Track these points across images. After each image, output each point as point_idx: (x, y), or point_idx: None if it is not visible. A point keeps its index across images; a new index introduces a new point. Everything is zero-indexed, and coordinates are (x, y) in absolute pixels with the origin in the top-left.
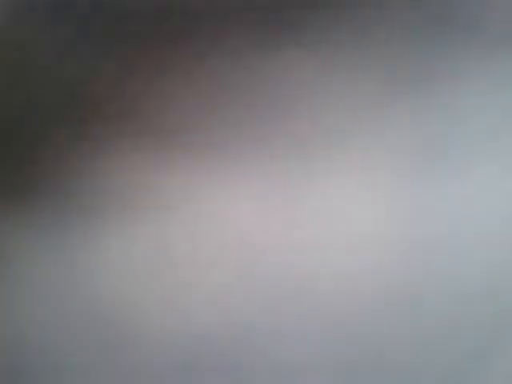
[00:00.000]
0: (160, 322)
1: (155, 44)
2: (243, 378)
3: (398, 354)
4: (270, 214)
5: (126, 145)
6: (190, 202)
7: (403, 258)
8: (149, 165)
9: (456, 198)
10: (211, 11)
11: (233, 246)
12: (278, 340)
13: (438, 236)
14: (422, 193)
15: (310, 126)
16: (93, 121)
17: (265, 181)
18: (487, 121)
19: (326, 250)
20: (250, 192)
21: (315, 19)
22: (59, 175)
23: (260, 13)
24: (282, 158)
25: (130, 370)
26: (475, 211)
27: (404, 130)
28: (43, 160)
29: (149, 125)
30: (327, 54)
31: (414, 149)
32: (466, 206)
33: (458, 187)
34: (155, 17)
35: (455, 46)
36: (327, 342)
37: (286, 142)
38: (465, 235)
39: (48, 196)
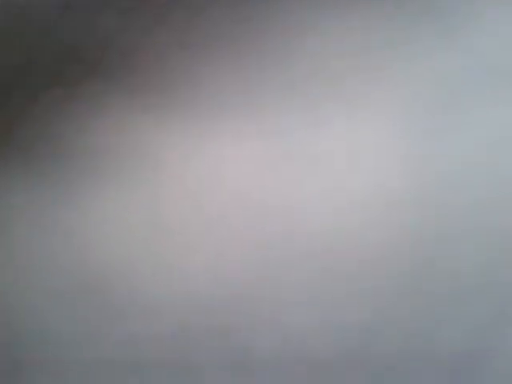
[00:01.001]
0: (155, 287)
1: None
2: (241, 343)
3: (400, 311)
4: (267, 172)
5: (123, 102)
6: (186, 162)
7: (412, 212)
8: (145, 123)
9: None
10: None
11: (230, 207)
12: (277, 305)
13: (448, 189)
14: (430, 144)
15: (307, 76)
16: (88, 79)
17: (260, 137)
18: (503, 67)
19: (328, 206)
20: (246, 150)
21: None
22: (55, 135)
23: None
24: (279, 111)
25: (123, 339)
26: (485, 165)
27: (409, 78)
28: (38, 121)
29: (145, 81)
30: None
31: (419, 96)
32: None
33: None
34: None
35: None
36: (332, 303)
37: (283, 93)
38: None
39: (43, 156)
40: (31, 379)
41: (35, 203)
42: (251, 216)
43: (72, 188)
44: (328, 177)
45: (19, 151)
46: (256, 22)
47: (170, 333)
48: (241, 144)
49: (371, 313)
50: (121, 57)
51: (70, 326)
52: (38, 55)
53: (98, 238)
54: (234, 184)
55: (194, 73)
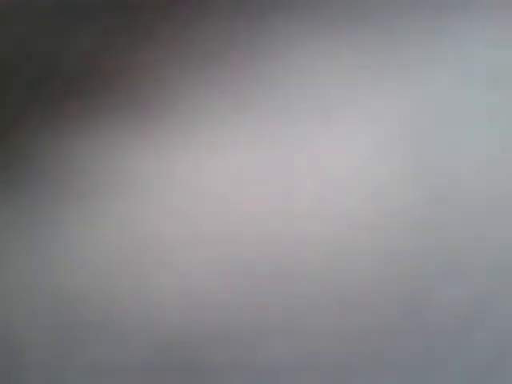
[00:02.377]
0: (132, 307)
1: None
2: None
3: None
4: (254, 185)
5: (101, 119)
6: (165, 177)
7: (411, 225)
8: (124, 139)
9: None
10: None
11: (215, 221)
12: (262, 334)
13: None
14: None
15: (297, 88)
16: (67, 96)
17: (245, 149)
18: (502, 79)
19: (317, 218)
20: (232, 162)
21: None
22: (32, 154)
23: None
24: (268, 123)
25: (98, 360)
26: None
27: (404, 92)
28: (17, 138)
29: (125, 98)
30: (316, 16)
31: (407, 110)
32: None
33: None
34: None
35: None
36: (341, 311)
37: (273, 105)
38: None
39: (22, 175)
40: None
41: (14, 222)
42: (237, 231)
43: (50, 207)
44: (317, 190)
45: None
46: (246, 36)
47: (144, 361)
48: (227, 156)
49: (383, 319)
50: (101, 77)
51: (38, 347)
52: (13, 73)
53: (77, 257)
54: (219, 199)
55: (179, 88)
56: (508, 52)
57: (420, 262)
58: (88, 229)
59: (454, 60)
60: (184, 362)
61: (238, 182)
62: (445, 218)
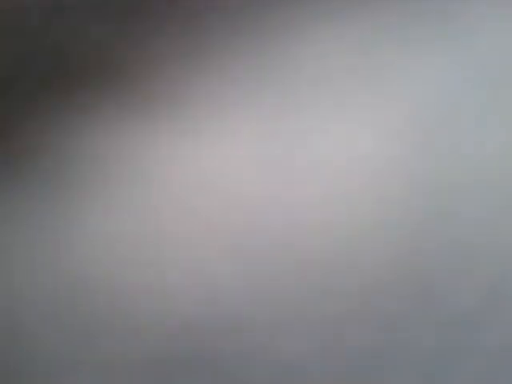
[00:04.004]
0: (143, 301)
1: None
2: (230, 368)
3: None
4: (261, 173)
5: (112, 111)
6: (176, 170)
7: (413, 222)
8: (134, 132)
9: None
10: None
11: (224, 214)
12: (272, 328)
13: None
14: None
15: (307, 75)
16: (78, 88)
17: (255, 140)
18: (504, 79)
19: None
20: (240, 153)
21: None
22: (42, 144)
23: None
24: (275, 115)
25: (110, 353)
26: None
27: (409, 88)
28: (26, 130)
29: (136, 90)
30: (326, 1)
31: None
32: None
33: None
34: None
35: None
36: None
37: (279, 98)
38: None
39: (30, 165)
40: None
41: (20, 212)
42: (246, 225)
43: (59, 197)
44: (325, 182)
45: (5, 160)
46: (252, 29)
47: (151, 357)
48: (236, 148)
49: (376, 335)
50: (112, 66)
51: (50, 334)
52: (25, 64)
53: (85, 247)
54: (227, 188)
55: (186, 82)
56: None
57: (428, 257)
58: (94, 221)
59: (465, 45)
60: (197, 356)
61: (248, 171)
62: (454, 209)
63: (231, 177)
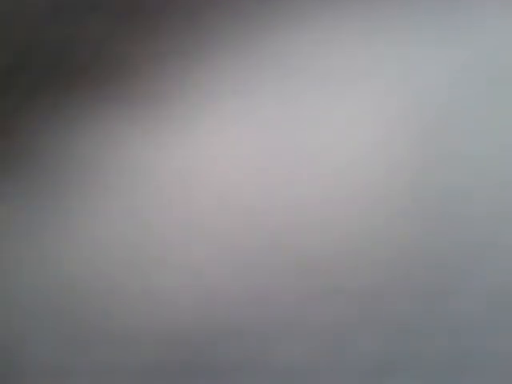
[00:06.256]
0: (141, 305)
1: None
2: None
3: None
4: (260, 174)
5: (113, 111)
6: (176, 172)
7: (415, 219)
8: (132, 133)
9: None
10: None
11: (221, 218)
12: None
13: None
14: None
15: (306, 64)
16: (78, 85)
17: (253, 127)
18: (504, 77)
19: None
20: (240, 154)
21: None
22: (39, 145)
23: None
24: (276, 116)
25: (106, 360)
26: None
27: (408, 83)
28: (23, 131)
29: (134, 90)
30: None
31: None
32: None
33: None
34: None
35: None
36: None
37: (280, 95)
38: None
39: (28, 167)
40: None
41: (17, 215)
42: (246, 226)
43: (58, 197)
44: (325, 176)
45: (3, 159)
46: (252, 17)
47: (149, 362)
48: (236, 148)
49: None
50: (110, 65)
51: (44, 337)
52: (25, 63)
53: (81, 253)
54: (228, 190)
55: (186, 80)
56: None
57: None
58: (92, 223)
59: (468, 34)
60: (196, 361)
61: (246, 167)
62: (456, 209)
63: (231, 177)
